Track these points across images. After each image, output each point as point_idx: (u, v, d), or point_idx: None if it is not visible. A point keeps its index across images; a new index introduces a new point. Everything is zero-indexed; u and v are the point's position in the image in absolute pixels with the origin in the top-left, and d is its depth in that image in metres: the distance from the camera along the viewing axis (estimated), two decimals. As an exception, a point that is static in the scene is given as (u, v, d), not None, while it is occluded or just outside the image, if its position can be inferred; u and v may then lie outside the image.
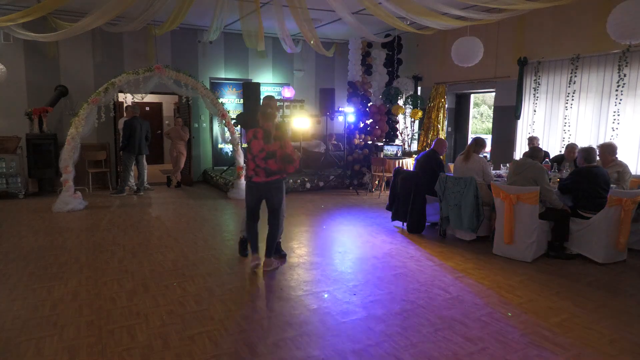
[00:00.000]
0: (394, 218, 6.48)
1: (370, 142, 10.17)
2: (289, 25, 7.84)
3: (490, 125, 14.24)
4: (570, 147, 6.45)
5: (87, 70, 9.33)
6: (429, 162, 6.21)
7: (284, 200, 4.65)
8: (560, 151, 7.37)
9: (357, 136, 10.11)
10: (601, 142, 6.64)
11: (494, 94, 8.93)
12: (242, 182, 8.32)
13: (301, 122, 10.30)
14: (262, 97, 9.75)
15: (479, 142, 6.05)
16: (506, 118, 8.50)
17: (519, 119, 8.18)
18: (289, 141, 4.38)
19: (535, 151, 5.37)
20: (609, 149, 5.52)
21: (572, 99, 7.30)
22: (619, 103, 6.63)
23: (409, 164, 9.43)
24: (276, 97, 10.91)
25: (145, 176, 9.11)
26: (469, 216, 5.51)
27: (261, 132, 4.34)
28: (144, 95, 8.24)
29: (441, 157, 6.40)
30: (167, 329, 3.34)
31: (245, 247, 5.10)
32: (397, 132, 10.88)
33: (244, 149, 5.06)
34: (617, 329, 3.42)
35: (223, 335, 3.25)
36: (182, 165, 9.81)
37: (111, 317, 3.52)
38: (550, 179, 5.51)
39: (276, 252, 5.05)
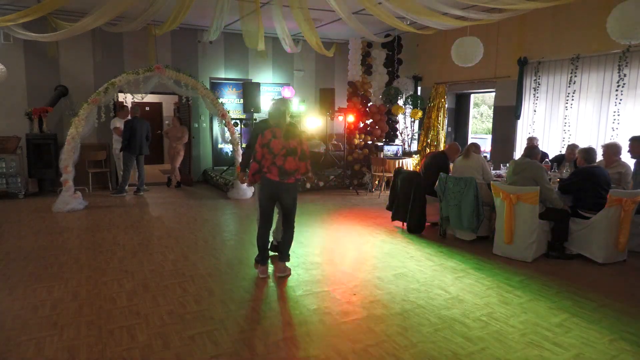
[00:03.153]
0: (394, 218, 6.48)
1: (370, 142, 10.17)
2: (289, 25, 7.84)
3: (490, 125, 14.24)
4: (571, 148, 6.44)
5: (87, 70, 9.33)
6: (437, 163, 6.22)
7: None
8: (561, 151, 7.37)
9: (357, 136, 10.11)
10: (601, 142, 6.65)
11: (494, 94, 8.93)
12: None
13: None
14: (260, 97, 9.90)
15: (476, 146, 6.15)
16: (506, 118, 8.50)
17: (519, 119, 8.18)
18: (305, 140, 4.35)
19: (531, 150, 5.35)
20: (613, 149, 5.52)
21: (572, 99, 7.30)
22: (619, 103, 6.64)
23: (409, 164, 9.44)
24: (277, 97, 10.95)
25: (144, 176, 9.10)
26: (469, 216, 5.51)
27: (279, 130, 4.25)
28: (144, 95, 8.24)
29: (450, 161, 6.38)
30: (167, 329, 3.34)
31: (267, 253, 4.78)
32: (397, 132, 10.89)
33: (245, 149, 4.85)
34: (617, 329, 3.42)
35: (223, 335, 3.25)
36: (177, 164, 9.79)
37: (111, 317, 3.52)
38: (550, 179, 5.51)
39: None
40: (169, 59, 9.79)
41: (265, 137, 4.25)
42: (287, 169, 4.23)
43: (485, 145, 10.64)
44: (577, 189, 5.12)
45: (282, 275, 4.46)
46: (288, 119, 4.35)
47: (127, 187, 8.86)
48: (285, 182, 4.26)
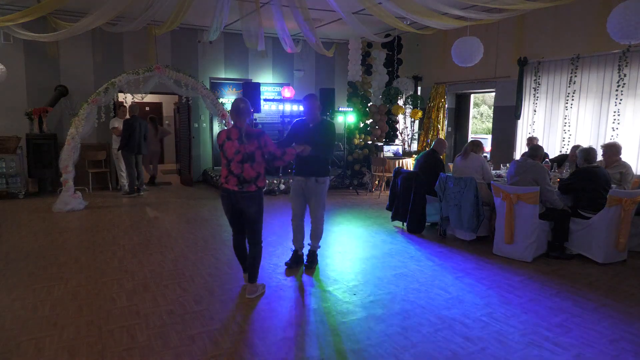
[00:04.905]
0: (394, 218, 6.48)
1: (370, 142, 10.17)
2: (289, 25, 7.83)
3: (490, 125, 14.24)
4: (575, 149, 6.40)
5: (87, 70, 9.33)
6: (428, 161, 6.25)
7: (260, 213, 3.91)
8: (561, 151, 7.37)
9: (357, 136, 10.10)
10: (601, 142, 6.64)
11: (494, 94, 8.93)
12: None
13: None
14: (262, 97, 9.88)
15: (476, 144, 6.10)
16: (506, 118, 8.50)
17: (519, 119, 8.19)
18: (268, 139, 3.78)
19: (534, 150, 5.28)
20: (613, 149, 5.51)
21: (572, 99, 7.30)
22: (619, 103, 6.64)
23: (409, 164, 9.44)
24: (276, 97, 10.94)
25: (143, 176, 9.11)
26: (469, 216, 5.51)
27: (235, 131, 3.70)
28: (144, 95, 8.25)
29: (441, 156, 6.42)
30: (167, 329, 3.34)
31: (296, 259, 4.82)
32: (397, 132, 10.89)
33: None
34: (617, 329, 3.41)
35: (223, 335, 3.25)
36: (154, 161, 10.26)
37: (111, 317, 3.52)
38: (550, 179, 5.50)
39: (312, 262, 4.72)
40: (169, 59, 9.78)
41: (220, 138, 3.76)
42: (247, 178, 3.71)
43: (486, 145, 10.64)
44: (577, 189, 5.12)
45: (252, 296, 3.93)
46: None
47: (125, 186, 8.91)
48: (245, 190, 3.73)
